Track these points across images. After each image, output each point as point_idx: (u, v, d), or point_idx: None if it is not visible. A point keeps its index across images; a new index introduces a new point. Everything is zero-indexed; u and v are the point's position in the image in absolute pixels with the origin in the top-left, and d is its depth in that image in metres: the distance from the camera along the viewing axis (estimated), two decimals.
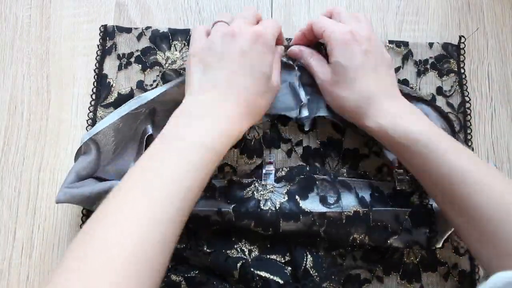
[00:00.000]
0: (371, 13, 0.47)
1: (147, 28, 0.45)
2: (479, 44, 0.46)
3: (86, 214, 0.42)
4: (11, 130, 0.44)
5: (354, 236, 0.38)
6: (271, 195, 0.39)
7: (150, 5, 0.47)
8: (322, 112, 0.41)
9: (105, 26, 0.45)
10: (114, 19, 0.46)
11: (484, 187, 0.32)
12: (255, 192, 0.39)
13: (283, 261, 0.39)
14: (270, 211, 0.38)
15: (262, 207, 0.38)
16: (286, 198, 0.39)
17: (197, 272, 0.38)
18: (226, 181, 0.40)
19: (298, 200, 0.39)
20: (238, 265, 0.37)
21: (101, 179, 0.39)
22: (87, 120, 0.44)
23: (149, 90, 0.43)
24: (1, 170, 0.43)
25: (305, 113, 0.41)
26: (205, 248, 0.38)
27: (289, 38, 0.44)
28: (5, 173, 0.43)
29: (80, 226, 0.42)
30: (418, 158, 0.35)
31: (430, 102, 0.43)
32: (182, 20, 0.46)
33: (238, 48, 0.35)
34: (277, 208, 0.38)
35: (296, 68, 0.42)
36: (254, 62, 0.35)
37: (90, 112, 0.44)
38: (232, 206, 0.38)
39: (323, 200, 0.39)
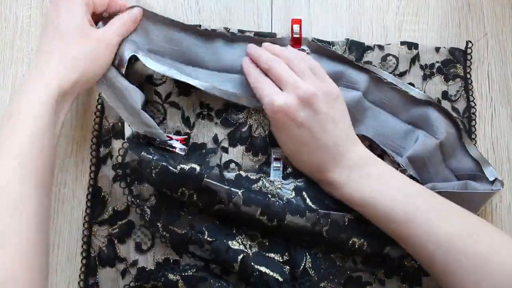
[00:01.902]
0: (371, 13, 0.48)
1: None
2: (479, 44, 0.48)
3: (90, 213, 0.43)
4: None
5: (354, 239, 0.40)
6: (279, 191, 0.41)
7: (150, 5, 0.48)
8: None
9: None
10: None
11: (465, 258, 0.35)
12: (262, 188, 0.42)
13: (281, 260, 0.40)
14: (278, 202, 0.40)
15: (271, 198, 0.40)
16: (293, 194, 0.41)
17: (194, 270, 0.40)
18: (234, 175, 0.42)
19: (305, 196, 0.40)
20: (239, 258, 0.39)
21: None
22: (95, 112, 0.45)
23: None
24: None
25: None
26: (206, 237, 0.39)
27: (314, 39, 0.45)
28: None
29: (83, 225, 0.44)
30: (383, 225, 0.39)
31: (435, 104, 0.45)
32: (182, 20, 0.48)
33: (46, 11, 0.42)
34: (285, 200, 0.40)
35: None
36: (52, 18, 0.39)
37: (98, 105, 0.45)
38: (242, 190, 0.39)
39: (329, 200, 0.41)
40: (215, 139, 0.45)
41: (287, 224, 0.39)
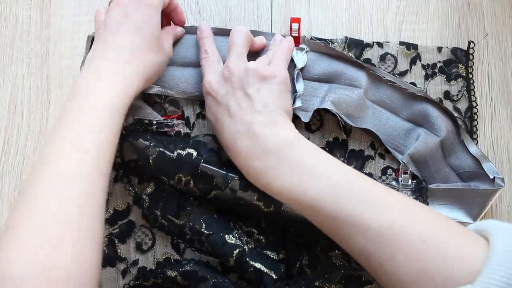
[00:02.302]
0: (371, 13, 0.49)
1: None
2: (479, 44, 0.48)
3: None
4: (11, 130, 0.46)
5: None
6: None
7: None
8: (327, 106, 0.43)
9: None
10: None
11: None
12: None
13: (277, 258, 0.40)
14: None
15: None
16: None
17: (191, 265, 0.40)
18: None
19: None
20: (235, 252, 0.39)
21: None
22: None
23: None
24: (1, 170, 0.45)
25: (298, 103, 0.44)
26: (203, 229, 0.40)
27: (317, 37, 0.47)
28: (5, 173, 0.45)
29: None
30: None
31: (436, 102, 0.45)
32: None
33: (121, 12, 0.39)
34: None
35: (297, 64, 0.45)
36: (139, 24, 0.39)
37: None
38: (239, 175, 0.40)
39: None
40: (215, 139, 0.45)
41: (284, 211, 0.40)
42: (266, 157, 0.35)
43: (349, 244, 0.33)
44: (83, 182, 0.31)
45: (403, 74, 0.47)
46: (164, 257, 0.43)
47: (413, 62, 0.48)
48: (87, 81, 0.36)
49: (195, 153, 0.40)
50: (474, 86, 0.48)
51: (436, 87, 0.47)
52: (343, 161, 0.45)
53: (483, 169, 0.43)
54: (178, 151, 0.40)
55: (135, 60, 0.38)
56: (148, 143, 0.40)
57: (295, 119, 0.45)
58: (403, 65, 0.47)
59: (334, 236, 0.34)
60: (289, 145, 0.36)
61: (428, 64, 0.48)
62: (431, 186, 0.43)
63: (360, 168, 0.45)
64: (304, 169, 0.34)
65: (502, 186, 0.42)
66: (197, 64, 0.45)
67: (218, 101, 0.39)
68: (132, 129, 0.42)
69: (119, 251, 0.43)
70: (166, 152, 0.40)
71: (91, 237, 0.31)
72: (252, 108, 0.38)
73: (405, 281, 0.29)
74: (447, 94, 0.47)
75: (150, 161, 0.40)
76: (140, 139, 0.41)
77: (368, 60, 0.47)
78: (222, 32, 0.46)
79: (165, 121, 0.43)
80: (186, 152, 0.40)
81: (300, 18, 0.47)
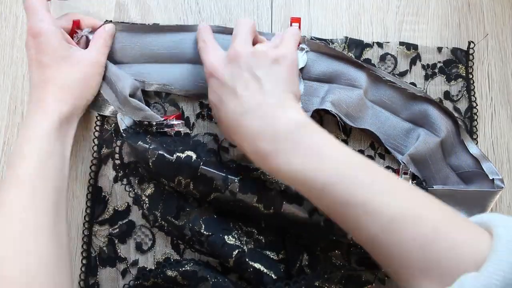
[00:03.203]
0: (371, 13, 0.49)
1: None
2: (479, 44, 0.48)
3: (90, 213, 0.44)
4: (11, 130, 0.46)
5: None
6: (278, 180, 0.42)
7: (150, 5, 0.49)
8: (326, 106, 0.44)
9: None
10: (114, 19, 0.49)
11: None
12: (261, 176, 0.42)
13: (276, 258, 0.41)
14: (275, 190, 0.40)
15: (269, 186, 0.41)
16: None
17: (191, 265, 0.41)
18: (235, 165, 0.43)
19: None
20: (234, 253, 0.39)
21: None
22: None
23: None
24: (1, 170, 0.45)
25: None
26: (202, 230, 0.40)
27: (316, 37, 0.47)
28: (5, 173, 0.45)
29: (84, 225, 0.44)
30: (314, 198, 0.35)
31: (436, 102, 0.45)
32: (182, 20, 0.49)
33: (26, 47, 0.42)
34: (283, 188, 0.41)
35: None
36: (40, 55, 0.41)
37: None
38: (239, 177, 0.40)
39: None
40: (215, 139, 0.45)
41: (283, 213, 0.40)
42: (276, 139, 0.35)
43: (358, 230, 0.32)
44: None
45: (403, 74, 0.48)
46: (164, 257, 0.43)
47: (413, 62, 0.48)
48: (24, 122, 0.41)
49: (194, 156, 0.40)
50: (474, 86, 0.48)
51: (436, 87, 0.48)
52: None
53: (483, 169, 0.44)
54: (177, 154, 0.40)
55: (47, 87, 0.40)
56: (147, 146, 0.40)
57: None
58: (403, 65, 0.48)
59: (343, 222, 0.33)
60: (300, 128, 0.35)
61: (428, 64, 0.48)
62: (431, 188, 0.43)
63: None
64: (316, 154, 0.34)
65: (502, 187, 0.42)
66: (196, 61, 0.46)
67: (223, 82, 0.38)
68: (132, 132, 0.43)
69: (119, 251, 0.44)
70: (166, 155, 0.40)
71: (38, 253, 0.34)
72: (261, 89, 0.37)
73: (413, 268, 0.30)
74: (447, 94, 0.47)
75: (150, 163, 0.40)
76: (139, 142, 0.41)
77: (368, 60, 0.47)
78: (223, 31, 0.47)
79: (164, 122, 0.44)
80: (185, 155, 0.40)
81: (300, 18, 0.47)
